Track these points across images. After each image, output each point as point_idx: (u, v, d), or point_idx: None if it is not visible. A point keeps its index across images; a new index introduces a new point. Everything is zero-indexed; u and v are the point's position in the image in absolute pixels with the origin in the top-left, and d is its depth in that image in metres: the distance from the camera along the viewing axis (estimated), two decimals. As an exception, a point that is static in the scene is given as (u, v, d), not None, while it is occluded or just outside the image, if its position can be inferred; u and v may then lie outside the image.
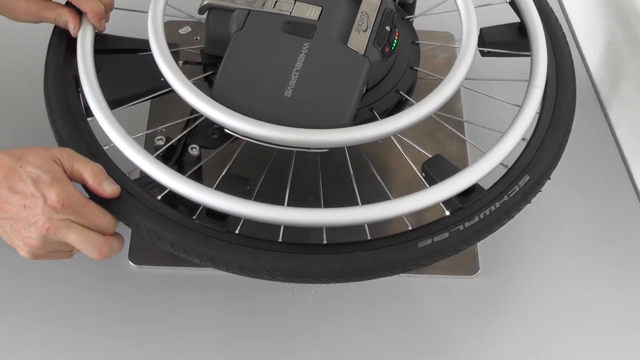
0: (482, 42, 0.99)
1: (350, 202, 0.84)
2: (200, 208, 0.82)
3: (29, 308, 0.93)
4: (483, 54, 1.00)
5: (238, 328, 0.92)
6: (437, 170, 0.85)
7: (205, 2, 0.90)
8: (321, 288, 0.95)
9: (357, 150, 0.95)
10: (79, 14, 0.93)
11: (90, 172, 0.82)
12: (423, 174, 0.87)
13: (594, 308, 0.95)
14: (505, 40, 1.00)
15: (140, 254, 0.97)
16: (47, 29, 0.96)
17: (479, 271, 0.97)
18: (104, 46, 0.95)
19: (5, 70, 1.15)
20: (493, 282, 0.97)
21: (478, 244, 0.95)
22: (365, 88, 0.89)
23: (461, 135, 1.03)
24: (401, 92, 0.93)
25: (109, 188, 0.82)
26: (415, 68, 0.96)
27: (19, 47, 1.16)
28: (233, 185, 0.83)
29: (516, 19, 0.99)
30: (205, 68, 0.94)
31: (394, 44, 0.91)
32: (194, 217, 0.82)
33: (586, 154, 1.08)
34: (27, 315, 0.93)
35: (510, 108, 0.91)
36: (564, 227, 1.02)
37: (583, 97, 0.97)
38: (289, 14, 0.89)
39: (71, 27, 0.93)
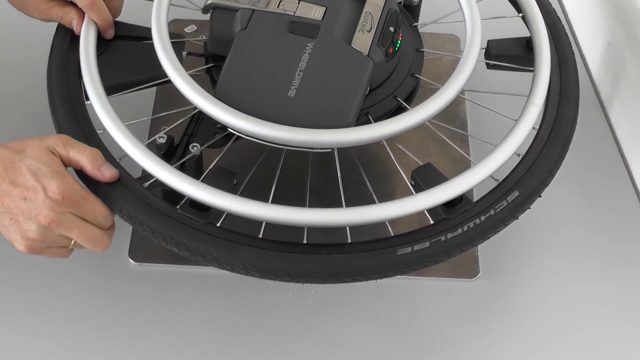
0: (488, 54, 0.98)
1: (341, 203, 0.84)
2: (185, 199, 0.82)
3: (27, 304, 0.93)
4: (489, 66, 0.98)
5: (238, 327, 0.92)
6: (425, 179, 0.84)
7: (209, 2, 0.90)
8: (321, 288, 0.95)
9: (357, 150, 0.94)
10: (84, 13, 0.93)
11: (88, 157, 0.81)
12: (412, 182, 0.86)
13: (595, 309, 0.95)
14: (513, 54, 0.97)
15: (141, 251, 0.97)
16: (51, 26, 0.96)
17: (479, 274, 0.97)
18: None
19: (7, 65, 1.15)
20: (493, 285, 0.97)
21: (479, 246, 0.95)
22: (369, 88, 0.89)
23: (464, 132, 1.02)
24: (399, 99, 0.92)
25: (107, 172, 0.82)
26: (417, 76, 0.95)
27: (21, 44, 1.17)
28: (220, 179, 0.83)
29: (527, 33, 0.97)
30: (207, 60, 0.94)
31: (398, 45, 0.90)
32: (178, 207, 0.82)
33: (586, 154, 1.08)
34: (25, 311, 0.93)
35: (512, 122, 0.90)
36: (564, 227, 1.02)
37: (583, 97, 0.96)
38: (292, 13, 0.89)
39: (74, 24, 0.93)
